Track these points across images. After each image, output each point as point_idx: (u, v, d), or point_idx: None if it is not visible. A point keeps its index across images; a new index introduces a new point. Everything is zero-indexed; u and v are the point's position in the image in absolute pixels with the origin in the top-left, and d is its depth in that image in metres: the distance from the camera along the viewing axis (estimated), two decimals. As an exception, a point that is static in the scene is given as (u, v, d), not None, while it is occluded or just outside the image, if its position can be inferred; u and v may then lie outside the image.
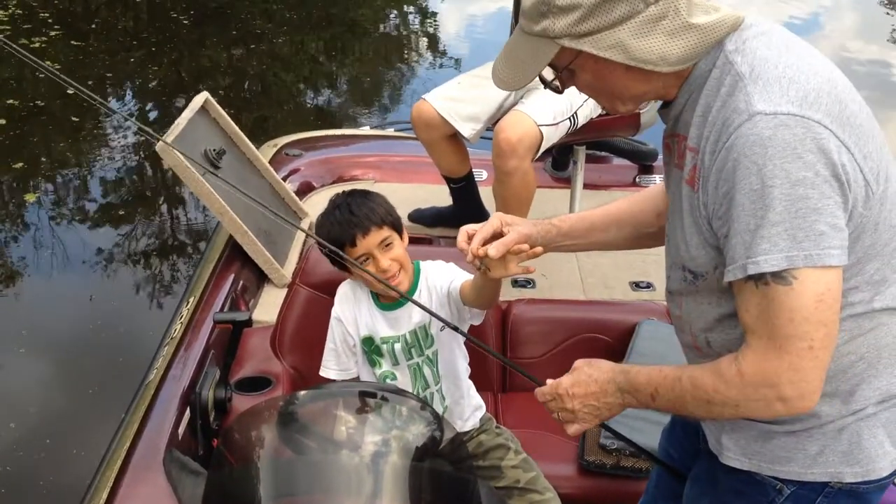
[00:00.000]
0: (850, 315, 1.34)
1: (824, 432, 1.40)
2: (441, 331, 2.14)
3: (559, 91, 1.48)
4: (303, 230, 2.86)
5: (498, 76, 1.45)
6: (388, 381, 2.16)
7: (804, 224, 1.21)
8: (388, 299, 2.15)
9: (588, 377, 1.51)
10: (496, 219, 1.75)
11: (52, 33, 7.60)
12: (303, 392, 1.78)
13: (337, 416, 1.71)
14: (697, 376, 1.38)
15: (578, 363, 1.56)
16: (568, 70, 1.41)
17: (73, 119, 6.26)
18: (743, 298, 1.30)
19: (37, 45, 7.27)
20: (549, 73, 1.44)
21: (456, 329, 1.89)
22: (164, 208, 5.40)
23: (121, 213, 5.28)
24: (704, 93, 1.34)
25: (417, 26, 9.23)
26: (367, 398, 1.76)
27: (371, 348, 2.18)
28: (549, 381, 1.58)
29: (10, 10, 7.96)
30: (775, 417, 1.36)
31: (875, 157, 1.29)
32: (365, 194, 2.15)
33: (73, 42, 7.56)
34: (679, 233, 1.42)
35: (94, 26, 8.11)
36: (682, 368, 1.43)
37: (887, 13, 10.29)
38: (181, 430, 2.10)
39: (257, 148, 3.24)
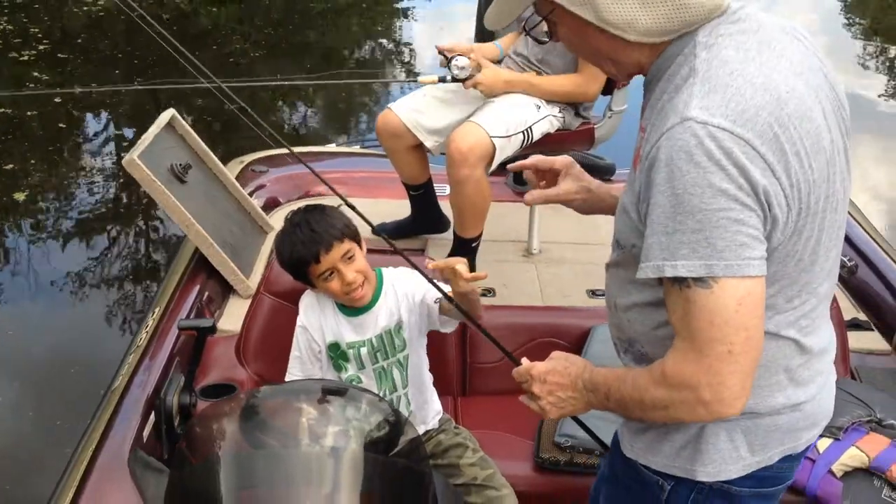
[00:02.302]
0: None
1: (687, 428, 1.44)
2: (435, 302, 2.18)
3: (539, 41, 1.52)
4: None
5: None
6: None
7: (725, 234, 1.22)
8: (352, 305, 2.22)
9: (563, 369, 1.53)
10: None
11: (41, 47, 7.75)
12: (263, 388, 1.85)
13: (296, 411, 1.78)
14: (637, 376, 1.40)
15: (556, 354, 1.58)
16: (550, 21, 1.42)
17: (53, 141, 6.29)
18: (669, 300, 1.31)
19: (26, 58, 7.45)
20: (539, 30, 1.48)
21: (450, 300, 1.92)
22: (139, 227, 5.43)
23: (94, 233, 5.30)
24: (665, 77, 1.34)
25: (392, 54, 9.34)
26: (327, 394, 1.83)
27: (337, 354, 2.25)
28: (524, 361, 1.61)
29: (3, 27, 8.12)
30: (702, 421, 1.38)
31: (804, 187, 1.28)
32: (321, 209, 2.20)
33: (59, 55, 7.71)
34: (620, 204, 1.45)
35: (80, 40, 8.17)
36: (629, 370, 1.46)
37: (853, 37, 10.50)
38: (146, 433, 2.15)
39: (224, 164, 3.31)
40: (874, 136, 7.42)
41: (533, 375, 1.56)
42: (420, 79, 2.94)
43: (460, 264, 1.91)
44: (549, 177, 1.81)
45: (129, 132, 6.61)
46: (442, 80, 2.94)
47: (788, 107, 1.26)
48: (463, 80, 2.96)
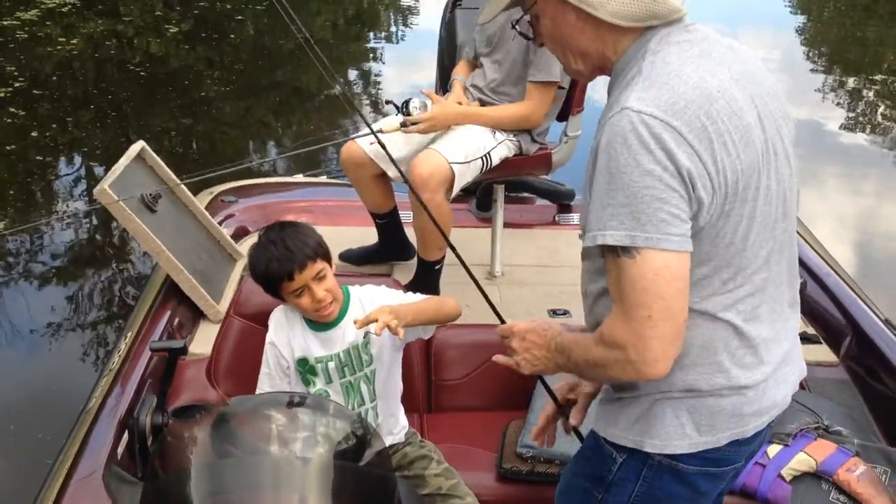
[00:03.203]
0: None
1: (640, 403, 1.57)
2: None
3: (530, 37, 1.65)
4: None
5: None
6: None
7: (648, 209, 1.37)
8: (321, 321, 2.31)
9: (542, 330, 1.66)
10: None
11: (17, 84, 7.86)
12: (232, 399, 1.92)
13: (265, 419, 1.85)
14: (586, 339, 1.56)
15: (537, 318, 1.72)
16: (534, 15, 1.59)
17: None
18: (607, 268, 1.46)
19: (2, 94, 7.53)
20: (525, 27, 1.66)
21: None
22: (113, 268, 5.45)
23: (66, 276, 5.31)
24: (619, 79, 1.51)
25: (360, 90, 9.47)
26: (295, 404, 1.92)
27: (305, 368, 2.32)
28: (508, 321, 1.75)
29: None
30: (631, 380, 1.52)
31: (731, 175, 1.42)
32: (295, 227, 2.28)
33: (35, 92, 7.81)
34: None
35: (54, 80, 8.26)
36: (584, 335, 1.61)
37: (813, 70, 10.78)
38: (120, 451, 2.22)
39: (194, 195, 3.40)
40: (836, 165, 7.64)
41: (514, 332, 1.70)
42: (384, 129, 3.05)
43: (381, 315, 2.08)
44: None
45: (98, 170, 6.67)
46: (403, 125, 3.05)
47: (718, 104, 1.42)
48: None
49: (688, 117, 1.39)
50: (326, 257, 2.25)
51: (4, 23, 9.39)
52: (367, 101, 9.03)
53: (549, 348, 1.65)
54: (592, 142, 1.50)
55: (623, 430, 1.60)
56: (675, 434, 1.56)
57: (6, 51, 8.76)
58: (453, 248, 2.18)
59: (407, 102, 3.07)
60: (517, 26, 1.71)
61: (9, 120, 7.21)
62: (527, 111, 3.18)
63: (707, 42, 1.50)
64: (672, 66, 1.44)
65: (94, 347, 4.62)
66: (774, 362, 1.61)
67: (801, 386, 2.93)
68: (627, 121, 1.39)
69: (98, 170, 6.66)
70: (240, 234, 3.57)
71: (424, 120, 3.04)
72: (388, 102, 3.15)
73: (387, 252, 3.49)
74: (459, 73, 3.43)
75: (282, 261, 2.18)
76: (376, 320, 2.08)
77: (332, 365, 2.29)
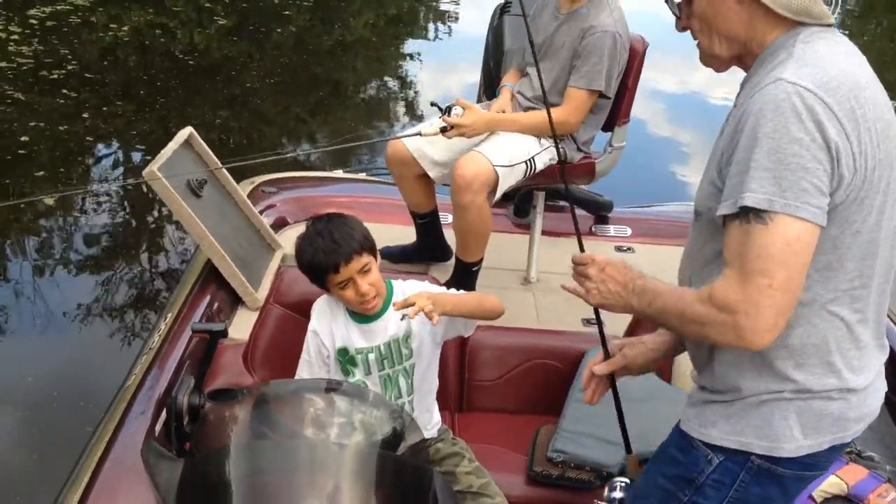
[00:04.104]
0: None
1: (745, 404, 1.58)
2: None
3: (678, 15, 1.66)
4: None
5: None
6: None
7: (792, 177, 1.39)
8: (364, 314, 2.33)
9: (623, 267, 1.69)
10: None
11: (70, 67, 8.04)
12: (279, 381, 1.94)
13: (309, 403, 1.87)
14: (685, 292, 1.57)
15: (617, 260, 1.72)
16: None
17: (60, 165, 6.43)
18: (728, 236, 1.47)
19: (56, 76, 7.72)
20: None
21: None
22: (143, 258, 5.52)
23: (101, 262, 5.37)
24: (764, 64, 1.53)
25: (397, 91, 9.52)
26: (335, 391, 1.94)
27: (346, 359, 2.34)
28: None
29: (34, 47, 8.37)
30: (730, 345, 1.51)
31: (871, 161, 1.46)
32: (343, 219, 2.31)
33: (87, 75, 7.99)
34: (703, 177, 1.61)
35: (105, 64, 8.42)
36: (677, 287, 1.64)
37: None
38: (157, 428, 2.25)
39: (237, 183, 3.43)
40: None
41: (596, 260, 1.71)
42: (423, 131, 3.06)
43: (419, 299, 2.11)
44: None
45: (136, 156, 6.75)
46: (443, 129, 3.06)
47: (866, 92, 1.48)
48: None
49: (839, 97, 1.43)
50: (372, 251, 2.28)
51: (58, 7, 9.55)
52: (405, 104, 9.07)
53: (627, 287, 1.66)
54: (733, 112, 1.54)
55: (724, 433, 1.60)
56: (784, 436, 1.56)
57: (60, 34, 8.92)
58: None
59: (450, 108, 3.08)
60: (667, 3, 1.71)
61: (61, 101, 7.36)
62: (561, 116, 3.17)
63: (850, 47, 1.56)
64: (822, 52, 1.49)
65: (130, 327, 4.68)
66: (875, 369, 1.63)
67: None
68: (782, 90, 1.42)
69: (136, 155, 6.74)
70: (279, 224, 3.60)
71: (455, 126, 3.04)
72: (432, 104, 3.16)
73: (424, 252, 3.50)
74: (509, 80, 3.44)
75: (328, 253, 2.21)
76: (414, 304, 2.10)
77: (372, 357, 2.31)
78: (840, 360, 1.55)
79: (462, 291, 2.42)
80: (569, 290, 1.77)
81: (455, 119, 3.02)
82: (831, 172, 1.42)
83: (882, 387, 1.67)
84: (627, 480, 1.91)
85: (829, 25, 1.55)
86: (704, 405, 1.65)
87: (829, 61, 1.47)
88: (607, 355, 1.91)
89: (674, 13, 1.68)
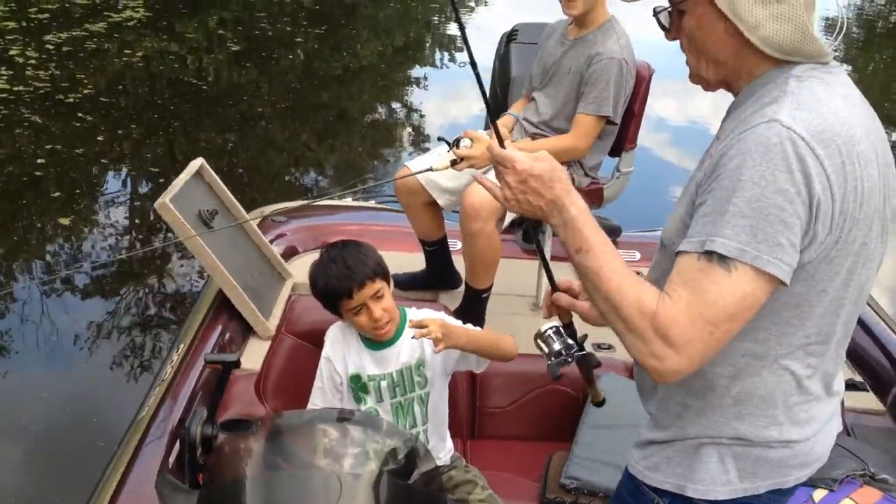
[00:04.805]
0: (749, 353, 1.46)
1: (686, 446, 1.55)
2: None
3: (666, 30, 1.57)
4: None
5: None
6: None
7: (770, 229, 1.32)
8: (377, 340, 2.34)
9: (549, 181, 1.49)
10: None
11: (86, 91, 8.20)
12: (291, 412, 1.95)
13: (322, 434, 1.88)
14: (626, 284, 1.41)
15: (544, 155, 1.53)
16: (679, 10, 1.51)
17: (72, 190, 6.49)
18: (683, 262, 1.37)
19: (72, 99, 7.87)
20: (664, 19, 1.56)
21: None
22: (152, 283, 5.54)
23: (108, 287, 5.39)
24: (754, 98, 1.45)
25: (403, 118, 9.58)
26: (347, 420, 1.95)
27: (358, 385, 2.35)
28: (510, 145, 1.57)
29: (51, 72, 8.52)
30: (640, 364, 1.41)
31: (849, 222, 1.38)
32: (357, 246, 2.33)
33: (102, 99, 8.13)
34: (673, 211, 1.53)
35: (119, 89, 8.55)
36: (623, 269, 1.44)
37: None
38: (171, 460, 2.26)
39: (246, 213, 3.46)
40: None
41: (517, 168, 1.51)
42: (434, 166, 3.08)
43: (431, 324, 2.14)
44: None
45: (144, 187, 6.80)
46: (454, 162, 3.07)
47: (858, 147, 1.39)
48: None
49: (831, 150, 1.35)
50: (385, 277, 2.29)
51: (74, 33, 9.76)
52: (411, 131, 9.13)
53: (553, 212, 1.49)
54: (714, 146, 1.45)
55: (664, 475, 1.58)
56: (718, 479, 1.54)
57: (76, 59, 9.10)
58: None
59: (458, 140, 3.11)
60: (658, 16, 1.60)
61: (76, 124, 7.49)
62: (570, 143, 3.20)
63: (848, 88, 1.48)
64: (820, 95, 1.40)
65: (140, 357, 4.69)
66: (824, 418, 1.59)
67: (847, 432, 2.91)
68: (775, 133, 1.34)
69: (147, 179, 6.80)
70: (289, 253, 3.62)
71: (465, 157, 3.06)
72: (440, 139, 3.19)
73: (433, 279, 3.52)
74: (514, 109, 3.47)
75: (342, 278, 2.23)
76: (427, 327, 2.12)
77: (384, 384, 2.32)
78: (783, 414, 1.51)
79: (479, 329, 2.42)
80: (483, 183, 1.60)
81: (464, 151, 3.04)
82: (806, 230, 1.35)
83: (835, 429, 1.63)
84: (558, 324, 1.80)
85: (825, 63, 1.47)
86: (648, 446, 1.63)
87: (826, 107, 1.39)
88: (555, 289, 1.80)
89: (661, 27, 1.60)
